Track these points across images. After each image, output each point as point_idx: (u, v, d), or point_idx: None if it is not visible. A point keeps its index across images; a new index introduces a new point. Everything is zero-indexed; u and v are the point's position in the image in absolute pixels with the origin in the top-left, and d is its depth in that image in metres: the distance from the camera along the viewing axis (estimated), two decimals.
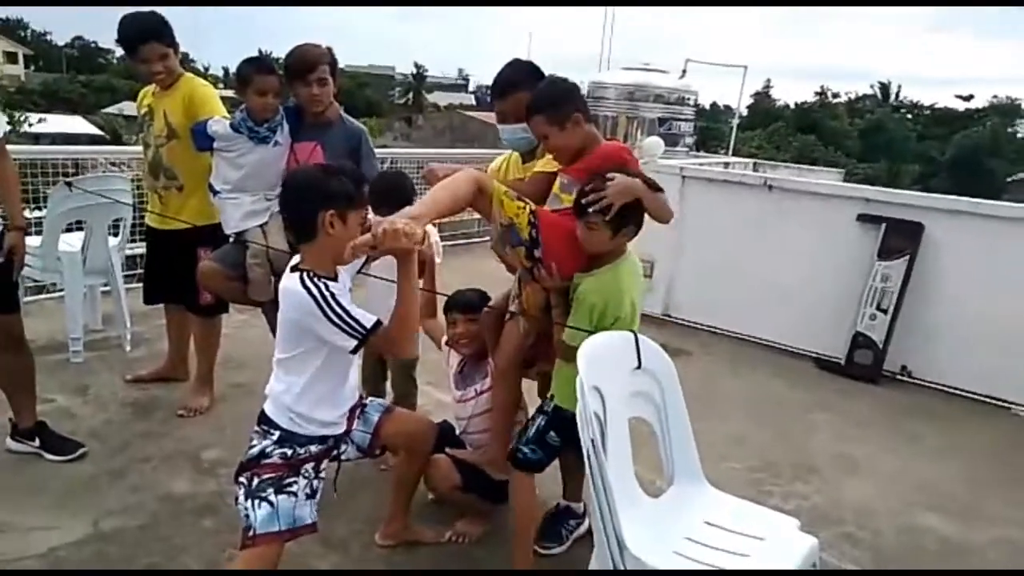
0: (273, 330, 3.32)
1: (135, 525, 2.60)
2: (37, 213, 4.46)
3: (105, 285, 4.31)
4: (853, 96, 55.57)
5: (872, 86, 57.37)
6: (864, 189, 5.12)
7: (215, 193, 3.17)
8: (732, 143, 10.88)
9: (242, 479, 2.00)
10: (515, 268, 2.37)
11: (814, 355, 5.04)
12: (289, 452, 2.01)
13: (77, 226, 3.98)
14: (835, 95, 54.06)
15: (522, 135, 2.52)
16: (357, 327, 1.89)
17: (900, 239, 4.71)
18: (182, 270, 3.24)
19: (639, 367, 1.93)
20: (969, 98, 54.07)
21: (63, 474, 2.87)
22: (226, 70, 57.15)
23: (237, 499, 2.01)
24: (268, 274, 3.13)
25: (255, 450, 2.02)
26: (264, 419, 2.05)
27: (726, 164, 7.42)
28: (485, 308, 2.64)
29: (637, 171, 2.19)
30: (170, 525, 2.61)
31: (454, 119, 37.86)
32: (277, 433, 2.01)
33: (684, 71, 7.27)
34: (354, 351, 1.95)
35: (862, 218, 4.86)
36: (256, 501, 1.95)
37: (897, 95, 55.97)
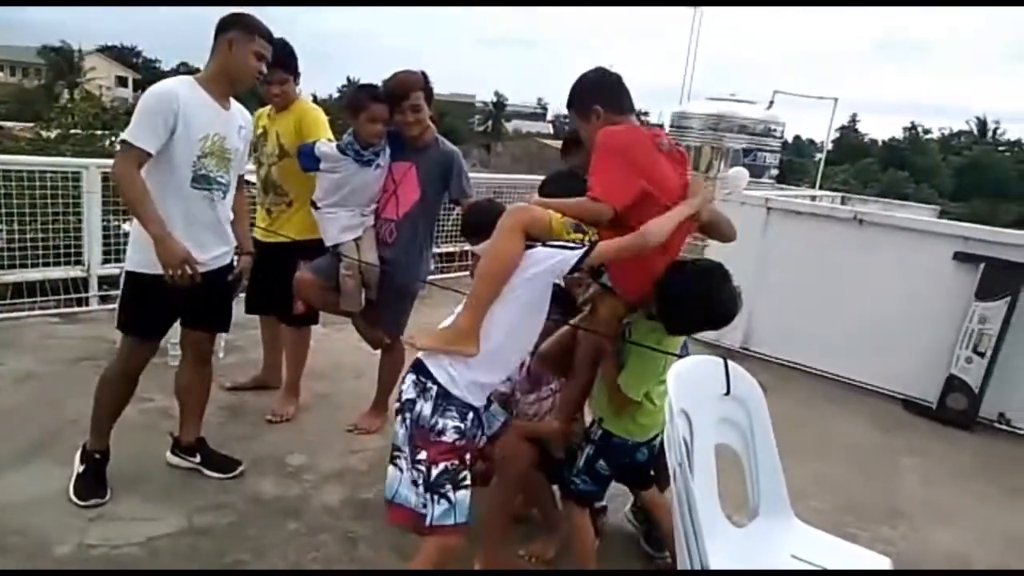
0: (365, 337, 3.48)
1: (226, 523, 2.71)
2: None
3: None
4: (947, 132, 53.37)
5: (968, 122, 54.89)
6: (962, 227, 4.92)
7: (315, 207, 3.33)
8: (819, 176, 10.60)
9: (420, 460, 1.97)
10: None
11: (902, 397, 4.84)
12: (462, 426, 2.00)
13: None
14: (926, 131, 52.04)
15: None
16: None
17: (1001, 280, 4.50)
18: (282, 282, 3.40)
19: (727, 393, 1.92)
20: None
21: (164, 470, 3.03)
22: (313, 95, 59.38)
23: (415, 479, 1.99)
24: (359, 285, 3.27)
25: (424, 413, 1.98)
26: (421, 370, 2.01)
27: (813, 197, 7.26)
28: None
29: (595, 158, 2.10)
30: (258, 525, 2.72)
31: (531, 147, 38.23)
32: (434, 388, 1.99)
33: (772, 102, 7.18)
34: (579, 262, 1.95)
35: (959, 256, 4.67)
36: (435, 496, 1.98)
37: (994, 133, 53.40)
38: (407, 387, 2.03)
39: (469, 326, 1.94)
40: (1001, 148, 50.26)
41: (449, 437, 1.98)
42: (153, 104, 2.54)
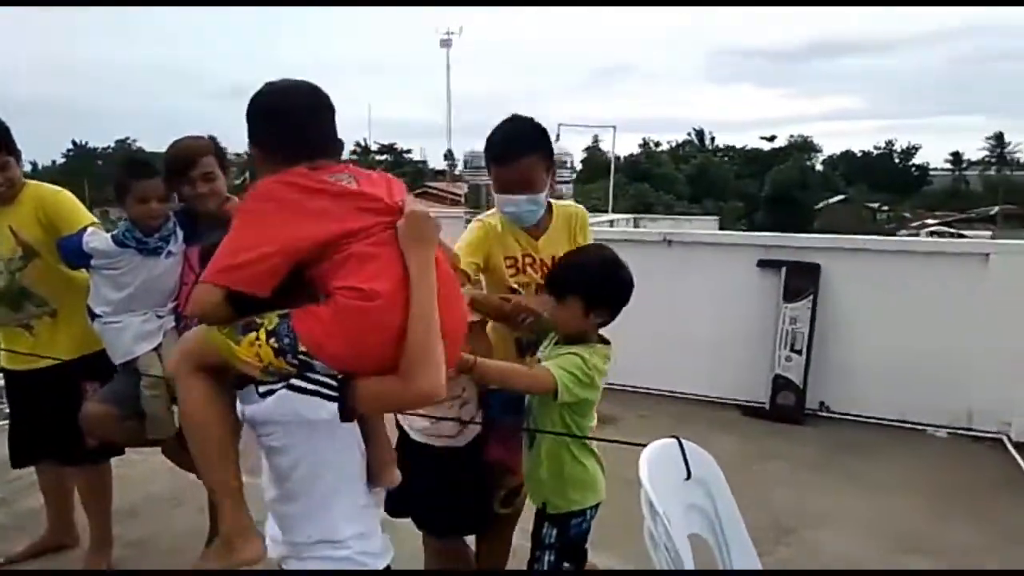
0: (184, 466, 2.80)
1: None
2: None
3: None
4: (675, 144, 60.22)
5: (689, 133, 62.52)
6: (761, 236, 5.31)
7: (94, 317, 2.63)
8: (611, 200, 11.23)
9: None
10: None
11: (740, 403, 5.05)
12: None
13: None
14: (657, 144, 58.27)
15: (529, 207, 2.28)
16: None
17: (801, 281, 4.88)
18: (62, 416, 2.63)
19: (688, 477, 1.69)
20: (772, 138, 60.34)
21: None
22: (33, 164, 51.64)
23: None
24: (169, 405, 2.61)
25: None
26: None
27: (611, 222, 7.53)
28: None
29: None
30: None
31: None
32: None
33: (558, 135, 7.41)
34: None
35: (763, 264, 5.00)
36: None
37: (712, 140, 61.36)
38: None
39: (234, 526, 1.49)
40: (719, 154, 57.90)
41: None
42: None
